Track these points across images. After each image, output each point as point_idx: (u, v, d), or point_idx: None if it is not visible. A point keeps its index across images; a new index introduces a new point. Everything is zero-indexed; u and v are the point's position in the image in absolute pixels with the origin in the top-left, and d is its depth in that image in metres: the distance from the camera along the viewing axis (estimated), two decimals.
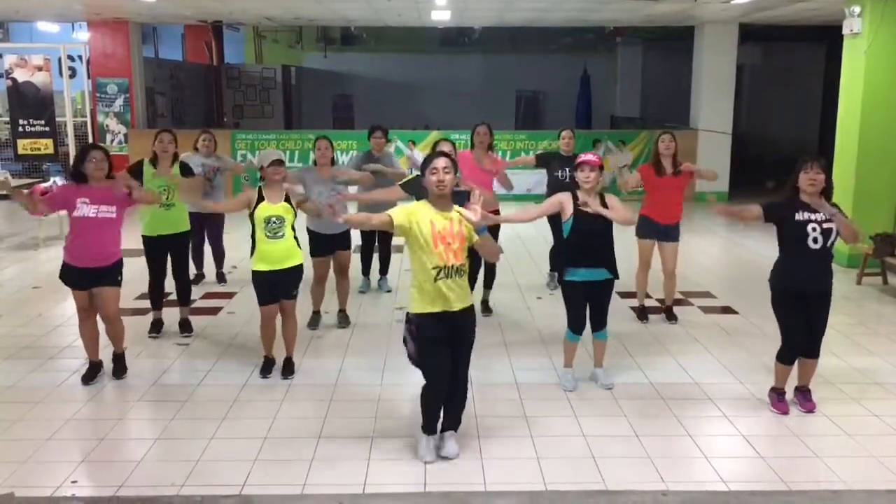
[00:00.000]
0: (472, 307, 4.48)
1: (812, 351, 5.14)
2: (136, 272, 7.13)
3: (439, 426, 4.56)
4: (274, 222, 5.54)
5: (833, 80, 11.42)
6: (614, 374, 5.74)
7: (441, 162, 4.33)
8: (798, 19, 13.40)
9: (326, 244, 6.76)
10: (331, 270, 6.93)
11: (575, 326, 5.54)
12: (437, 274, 4.26)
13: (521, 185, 13.65)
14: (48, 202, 5.77)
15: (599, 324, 5.57)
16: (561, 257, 5.54)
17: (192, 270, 8.50)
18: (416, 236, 4.27)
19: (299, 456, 4.53)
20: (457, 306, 4.34)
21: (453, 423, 4.60)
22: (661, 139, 6.87)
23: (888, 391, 5.55)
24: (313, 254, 6.74)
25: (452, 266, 4.28)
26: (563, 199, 5.40)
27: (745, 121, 18.41)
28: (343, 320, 7.02)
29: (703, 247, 10.44)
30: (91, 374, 5.71)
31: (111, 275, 5.59)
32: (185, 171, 6.63)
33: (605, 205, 5.34)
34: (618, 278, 5.50)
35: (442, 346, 4.36)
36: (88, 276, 5.51)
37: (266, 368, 5.82)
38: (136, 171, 6.49)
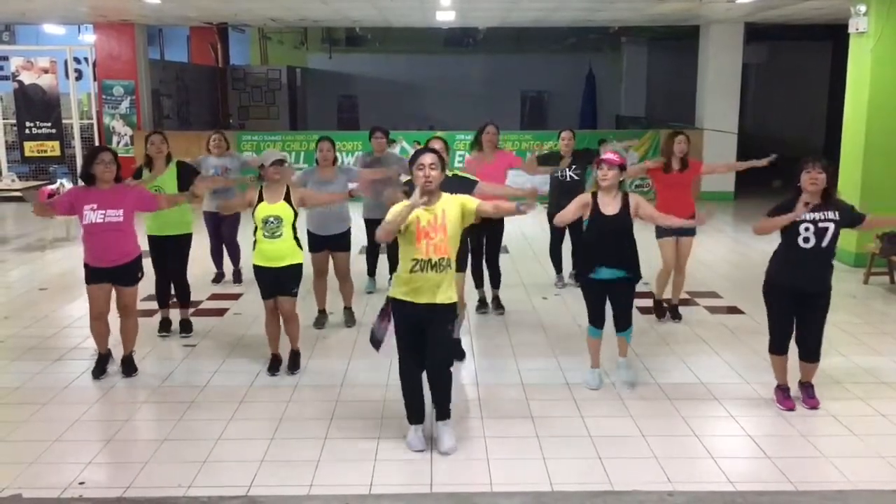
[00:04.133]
0: (446, 305, 4.51)
1: (810, 355, 5.13)
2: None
3: (433, 418, 4.71)
4: (272, 222, 5.56)
5: (839, 78, 11.39)
6: (620, 373, 5.73)
7: (427, 158, 4.44)
8: (804, 18, 13.36)
9: (323, 244, 6.80)
10: (333, 272, 6.95)
11: (594, 320, 5.57)
12: (413, 266, 4.43)
13: (525, 185, 13.64)
14: (54, 207, 5.79)
15: (624, 324, 5.56)
16: (579, 256, 5.59)
17: (213, 270, 8.56)
18: (405, 230, 4.43)
19: (306, 457, 4.54)
20: (424, 299, 4.46)
21: (442, 412, 4.68)
22: (678, 140, 6.87)
23: (895, 390, 5.53)
24: (310, 249, 6.77)
25: (430, 260, 4.41)
26: (586, 200, 5.43)
27: (750, 120, 18.37)
28: (349, 318, 7.03)
29: (708, 246, 10.41)
30: (100, 365, 5.79)
31: (130, 273, 5.67)
32: (184, 171, 6.60)
33: (627, 204, 5.35)
34: (638, 278, 5.49)
35: (409, 333, 4.55)
36: (108, 275, 5.60)
37: (273, 366, 5.86)
38: (138, 178, 6.54)
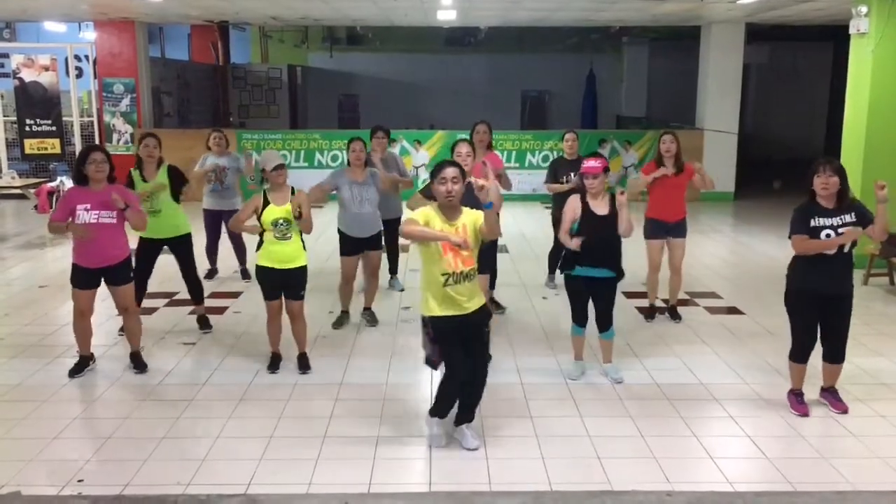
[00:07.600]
0: (479, 309, 4.57)
1: (835, 356, 5.09)
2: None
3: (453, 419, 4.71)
4: (282, 224, 5.58)
5: (840, 79, 11.39)
6: (620, 373, 5.73)
7: (450, 172, 4.39)
8: (804, 19, 13.35)
9: (357, 246, 6.78)
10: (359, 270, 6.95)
11: (577, 319, 5.68)
12: (446, 280, 4.39)
13: (527, 185, 13.66)
14: (60, 220, 5.53)
15: (605, 324, 5.66)
16: (563, 255, 5.67)
17: (206, 266, 8.55)
18: (427, 244, 4.38)
19: (304, 455, 4.54)
20: (468, 308, 4.48)
21: (468, 416, 4.70)
22: (662, 140, 6.91)
23: (894, 392, 5.53)
24: (342, 253, 6.77)
25: (461, 272, 4.40)
26: (575, 205, 5.53)
27: (751, 120, 18.39)
28: (371, 318, 7.01)
29: (708, 247, 10.42)
30: (79, 367, 5.79)
31: (121, 273, 5.65)
32: (175, 176, 6.56)
33: (614, 206, 5.46)
34: (621, 277, 5.57)
35: (457, 343, 4.51)
36: (98, 276, 5.58)
37: (273, 364, 5.87)
38: (131, 182, 6.47)
